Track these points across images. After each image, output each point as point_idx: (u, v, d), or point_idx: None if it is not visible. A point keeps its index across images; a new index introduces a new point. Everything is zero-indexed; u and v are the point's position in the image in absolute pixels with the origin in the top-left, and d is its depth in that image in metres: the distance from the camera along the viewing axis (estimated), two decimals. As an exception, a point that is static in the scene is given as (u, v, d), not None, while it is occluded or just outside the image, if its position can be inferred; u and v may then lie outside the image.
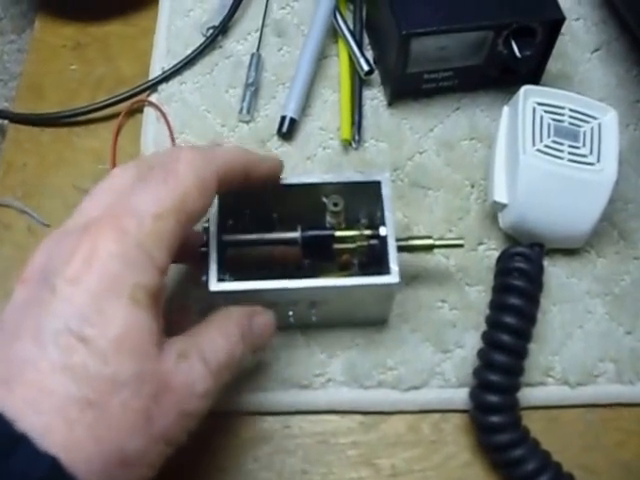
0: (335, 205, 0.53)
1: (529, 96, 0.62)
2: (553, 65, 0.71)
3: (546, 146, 0.60)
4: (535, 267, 0.59)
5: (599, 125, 0.62)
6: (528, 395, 0.58)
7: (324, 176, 0.55)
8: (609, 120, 0.62)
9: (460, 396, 0.59)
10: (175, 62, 0.70)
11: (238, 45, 0.73)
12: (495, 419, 0.55)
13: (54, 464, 0.33)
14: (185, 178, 0.41)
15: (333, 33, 0.72)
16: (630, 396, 0.60)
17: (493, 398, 0.55)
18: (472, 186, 0.66)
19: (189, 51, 0.71)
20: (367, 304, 0.57)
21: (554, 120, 0.61)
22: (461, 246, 0.57)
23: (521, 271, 0.59)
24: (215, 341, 0.42)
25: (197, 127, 0.68)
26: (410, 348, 0.60)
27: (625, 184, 0.66)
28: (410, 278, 0.62)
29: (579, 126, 0.62)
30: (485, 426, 0.56)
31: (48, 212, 0.65)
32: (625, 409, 0.59)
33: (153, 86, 0.69)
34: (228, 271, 0.52)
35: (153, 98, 0.70)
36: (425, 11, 0.63)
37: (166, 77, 0.70)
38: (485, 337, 0.58)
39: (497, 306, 0.58)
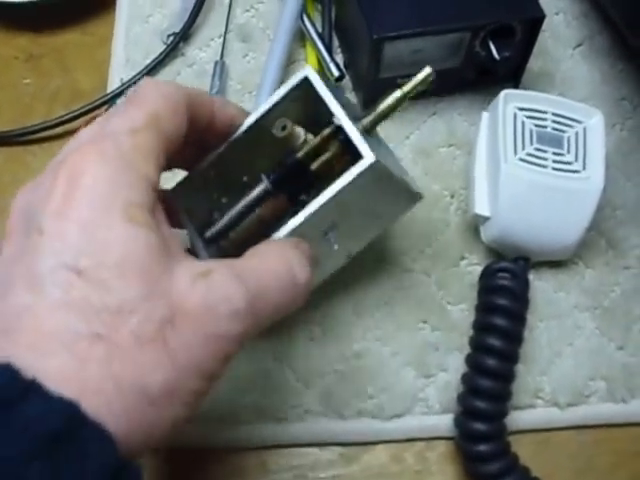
0: (283, 129, 0.47)
1: (509, 101, 0.59)
2: (534, 63, 0.67)
3: (529, 154, 0.57)
4: (520, 284, 0.56)
5: (584, 129, 0.59)
6: (516, 418, 0.55)
7: (261, 107, 0.49)
8: (594, 123, 0.59)
9: (445, 423, 0.56)
10: (134, 73, 0.67)
11: (201, 52, 0.70)
12: (482, 448, 0.52)
13: (71, 409, 0.30)
14: (154, 100, 0.39)
15: (301, 36, 0.68)
16: (623, 415, 0.57)
17: (480, 426, 0.53)
18: (452, 196, 0.63)
19: (149, 60, 0.67)
20: (376, 205, 0.51)
21: (536, 126, 0.58)
22: (431, 79, 0.48)
23: (505, 289, 0.56)
24: (265, 263, 0.39)
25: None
26: (391, 373, 0.57)
27: (613, 189, 0.63)
28: (388, 298, 0.59)
29: (563, 131, 0.59)
30: (472, 455, 0.53)
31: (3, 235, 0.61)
32: (618, 429, 0.57)
33: (111, 99, 0.65)
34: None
35: (112, 112, 0.66)
36: (397, 12, 0.59)
37: (125, 89, 0.66)
38: (469, 361, 0.55)
39: (481, 327, 0.56)
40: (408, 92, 0.47)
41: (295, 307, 0.39)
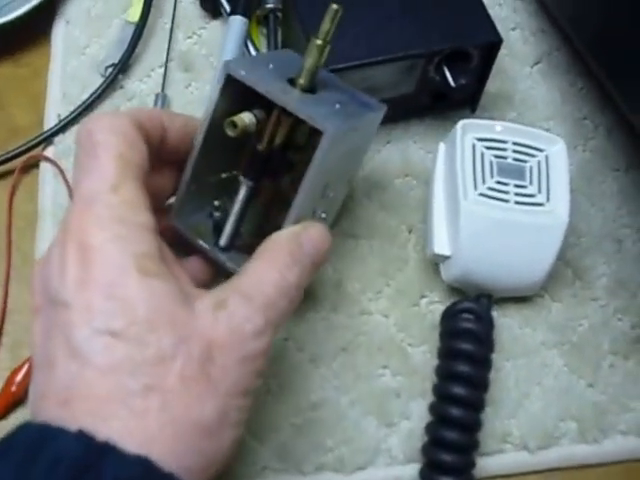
0: (234, 127, 0.46)
1: (467, 131, 0.56)
2: (491, 84, 0.64)
3: (490, 188, 0.54)
4: (484, 325, 0.54)
5: (546, 158, 0.56)
6: (484, 465, 0.53)
7: (205, 118, 0.48)
8: (557, 151, 0.57)
9: (409, 473, 0.53)
10: (72, 108, 0.62)
11: (141, 84, 0.66)
12: (450, 501, 0.50)
13: (146, 464, 0.33)
14: (111, 142, 0.40)
15: (243, 61, 0.64)
16: (596, 456, 0.54)
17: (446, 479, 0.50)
18: (409, 231, 0.60)
19: (87, 94, 0.63)
20: (353, 145, 0.52)
21: (497, 157, 0.55)
22: (339, 14, 0.47)
23: (469, 332, 0.53)
24: (261, 275, 0.41)
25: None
26: (351, 424, 0.54)
27: (577, 215, 0.60)
28: (346, 344, 0.56)
29: (525, 161, 0.56)
30: (439, 509, 0.50)
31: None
32: (592, 470, 0.55)
33: (48, 138, 0.61)
34: None
35: (49, 152, 0.63)
36: (346, 41, 0.56)
37: (62, 127, 0.62)
38: (433, 410, 0.53)
39: (445, 375, 0.53)
40: (325, 36, 0.47)
41: (297, 306, 0.42)
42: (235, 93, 0.47)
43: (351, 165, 0.55)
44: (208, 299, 0.39)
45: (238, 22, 0.63)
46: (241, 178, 0.50)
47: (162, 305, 0.36)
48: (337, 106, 0.48)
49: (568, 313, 0.58)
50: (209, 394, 0.36)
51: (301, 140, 0.50)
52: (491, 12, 0.60)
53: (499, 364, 0.55)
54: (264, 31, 0.67)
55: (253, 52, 0.64)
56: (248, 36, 0.65)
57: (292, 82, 0.48)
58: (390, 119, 0.59)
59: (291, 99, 0.46)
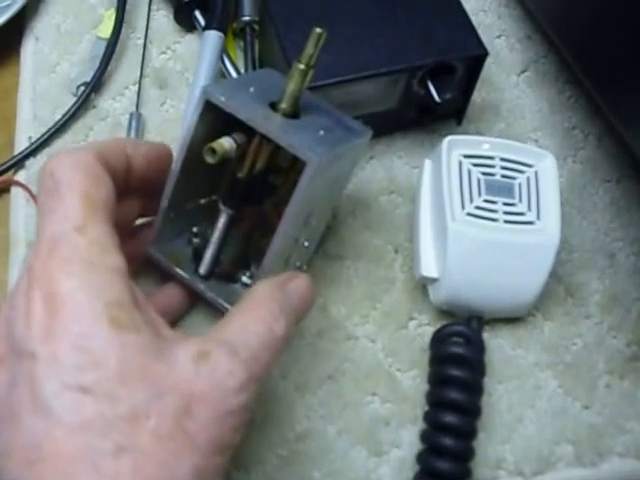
0: (213, 154, 0.44)
1: (453, 148, 0.54)
2: (477, 94, 0.62)
3: (477, 207, 0.52)
4: (475, 350, 0.52)
5: (535, 173, 0.54)
6: (478, 493, 0.50)
7: (182, 143, 0.47)
8: (546, 167, 0.55)
9: (401, 503, 0.50)
10: (44, 129, 0.60)
11: (115, 103, 0.63)
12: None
13: None
14: (74, 180, 0.38)
15: (219, 77, 0.62)
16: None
17: (439, 512, 0.48)
18: (396, 251, 0.58)
19: (59, 115, 0.61)
20: (337, 173, 0.51)
21: (484, 174, 0.53)
22: (323, 38, 0.45)
23: (459, 357, 0.51)
24: (246, 326, 0.39)
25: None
26: (339, 455, 0.52)
27: (568, 229, 0.58)
28: (332, 371, 0.54)
29: (513, 178, 0.54)
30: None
31: None
32: (587, 493, 0.52)
33: (19, 162, 0.59)
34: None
35: (21, 176, 0.60)
36: (326, 57, 0.53)
37: (33, 150, 0.60)
38: (425, 438, 0.51)
39: (435, 402, 0.51)
40: (308, 61, 0.45)
41: (279, 357, 0.40)
42: (214, 117, 0.46)
43: (335, 192, 0.53)
44: (190, 348, 0.37)
45: (213, 37, 0.61)
46: (221, 206, 0.48)
47: (135, 359, 0.34)
48: (321, 132, 0.46)
49: (561, 332, 0.56)
50: (185, 451, 0.34)
51: (283, 162, 0.48)
52: (475, 19, 0.58)
53: (491, 387, 0.54)
54: (241, 44, 0.65)
55: (230, 67, 0.62)
56: (224, 50, 0.62)
57: (274, 106, 0.46)
58: (373, 134, 0.57)
59: (273, 126, 0.44)
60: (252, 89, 0.47)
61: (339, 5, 0.56)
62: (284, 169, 0.49)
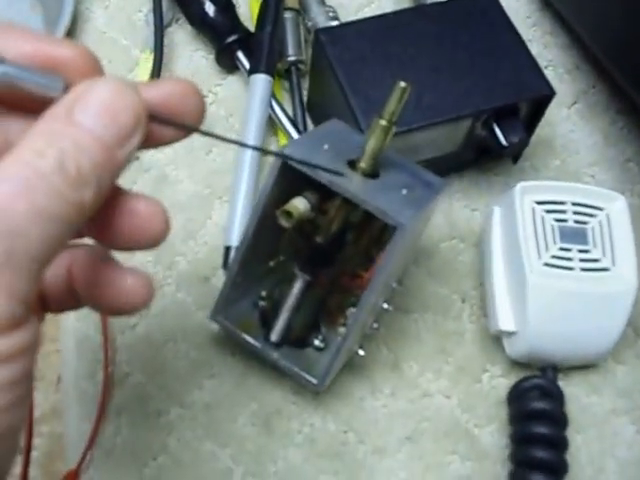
0: (288, 217, 0.42)
1: (525, 194, 0.52)
2: (529, 130, 0.60)
3: (553, 256, 0.50)
4: (557, 403, 0.50)
5: (607, 217, 0.53)
6: None
7: (256, 207, 0.45)
8: (618, 209, 0.53)
9: None
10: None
11: (157, 153, 0.59)
12: None
13: None
14: None
15: (269, 122, 0.59)
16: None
17: None
18: (463, 300, 0.56)
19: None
20: (419, 231, 0.51)
21: (557, 220, 0.52)
22: (407, 93, 0.43)
23: (542, 413, 0.49)
24: None
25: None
26: (424, 519, 0.50)
27: (635, 268, 0.56)
28: (410, 432, 0.52)
29: (586, 222, 0.52)
30: None
31: None
32: None
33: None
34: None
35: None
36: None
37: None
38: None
39: (523, 461, 0.49)
40: (391, 117, 0.43)
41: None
42: (288, 179, 0.43)
43: (410, 250, 0.52)
44: None
45: (262, 81, 0.58)
46: (297, 271, 0.46)
47: None
48: (404, 192, 0.44)
49: (634, 375, 0.55)
50: None
51: (354, 218, 0.46)
52: (520, 49, 0.56)
53: (570, 439, 0.51)
54: (285, 85, 0.62)
55: (279, 112, 0.59)
56: (272, 94, 0.59)
57: (352, 164, 0.44)
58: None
59: (357, 189, 0.42)
60: (326, 146, 0.45)
61: (400, 48, 0.54)
62: (355, 225, 0.47)
